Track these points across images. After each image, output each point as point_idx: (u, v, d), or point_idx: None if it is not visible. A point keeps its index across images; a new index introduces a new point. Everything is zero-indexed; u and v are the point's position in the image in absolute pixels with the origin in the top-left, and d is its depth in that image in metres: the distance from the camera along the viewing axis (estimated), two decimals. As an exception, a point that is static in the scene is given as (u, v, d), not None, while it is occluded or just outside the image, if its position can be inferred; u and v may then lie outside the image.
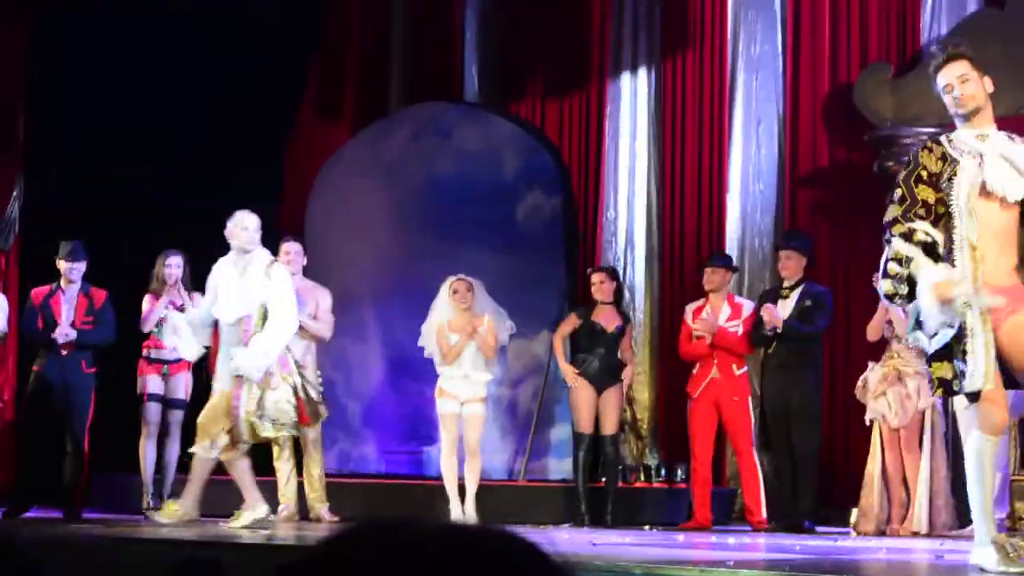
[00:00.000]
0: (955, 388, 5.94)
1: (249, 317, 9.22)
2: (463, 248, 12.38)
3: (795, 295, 10.47)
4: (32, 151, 13.39)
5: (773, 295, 10.65)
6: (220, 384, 9.35)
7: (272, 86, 14.20)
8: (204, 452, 9.35)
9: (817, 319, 10.40)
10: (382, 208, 13.29)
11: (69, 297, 10.66)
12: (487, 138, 13.17)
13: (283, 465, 10.63)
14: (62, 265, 10.68)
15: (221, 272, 9.47)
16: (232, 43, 13.66)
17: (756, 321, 10.51)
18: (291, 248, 10.88)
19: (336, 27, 14.81)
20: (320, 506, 10.71)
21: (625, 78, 13.27)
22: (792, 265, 10.58)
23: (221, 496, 11.30)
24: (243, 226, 9.40)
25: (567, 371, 11.05)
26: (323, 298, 10.89)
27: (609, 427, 11.01)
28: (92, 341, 10.63)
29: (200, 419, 9.37)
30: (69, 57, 13.25)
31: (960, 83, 6.21)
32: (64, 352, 10.57)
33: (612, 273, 11.39)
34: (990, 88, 6.25)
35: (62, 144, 13.33)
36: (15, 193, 13.28)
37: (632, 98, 13.24)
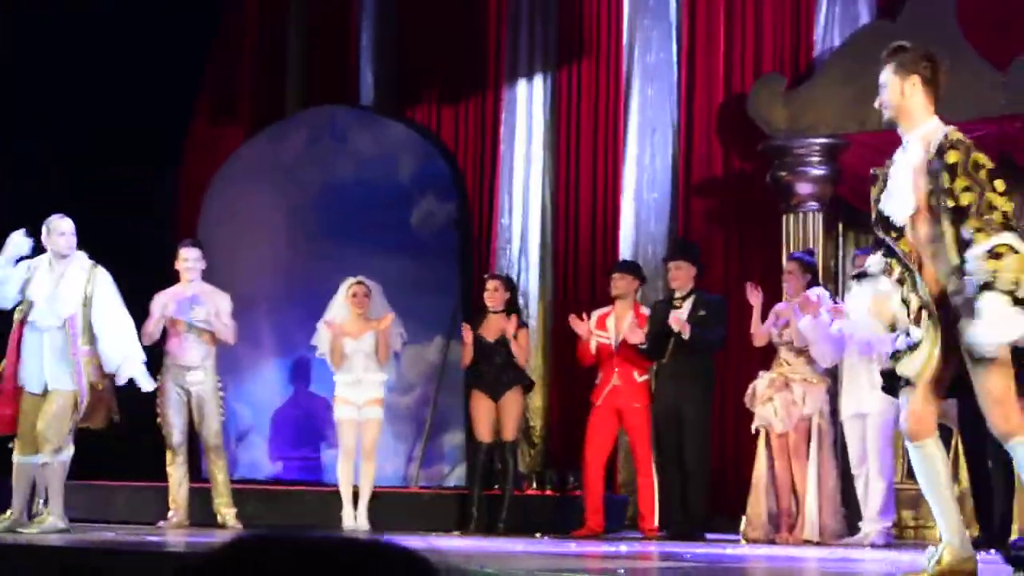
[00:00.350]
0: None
1: (73, 318, 9.17)
2: (358, 252, 12.33)
3: (687, 304, 10.51)
4: None
5: (665, 306, 10.68)
6: (58, 385, 9.20)
7: (166, 87, 14.04)
8: (57, 457, 9.24)
9: (715, 327, 10.47)
10: (278, 212, 13.21)
11: None
12: (382, 142, 13.13)
13: (175, 470, 10.55)
14: None
15: (36, 276, 9.37)
16: (124, 42, 13.49)
17: (652, 332, 10.52)
18: (189, 254, 10.76)
19: (231, 28, 14.70)
20: (227, 511, 10.61)
21: (521, 84, 13.28)
22: (682, 275, 10.63)
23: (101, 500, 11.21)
24: (59, 231, 9.36)
25: (464, 330, 11.06)
26: (223, 303, 10.77)
27: (508, 434, 11.01)
28: None
29: (42, 427, 9.15)
30: None
31: (881, 89, 5.99)
32: None
33: (508, 282, 11.38)
34: (912, 89, 5.89)
35: None
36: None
37: (528, 104, 13.25)
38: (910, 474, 11.02)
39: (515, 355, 11.00)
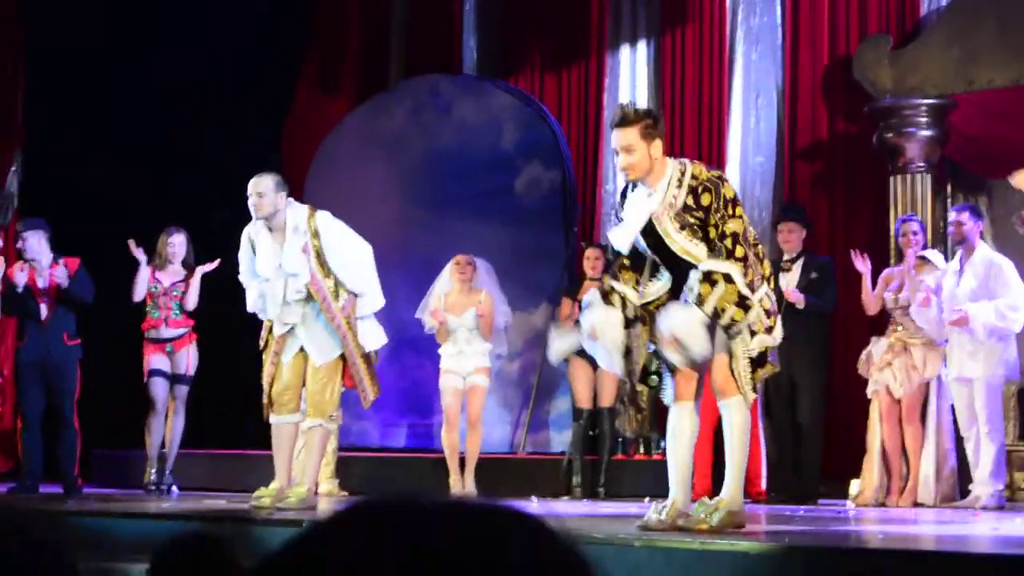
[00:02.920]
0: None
1: (314, 281, 8.54)
2: (463, 221, 12.39)
3: (797, 267, 10.46)
4: (32, 125, 13.37)
5: (775, 268, 10.62)
6: (317, 355, 8.62)
7: (270, 60, 14.18)
8: (328, 423, 8.85)
9: (826, 291, 10.40)
10: (381, 181, 13.29)
11: (41, 270, 10.62)
12: (485, 110, 13.16)
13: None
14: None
15: (258, 241, 8.64)
16: (228, 16, 13.63)
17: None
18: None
19: (334, 1, 14.78)
20: (328, 481, 10.71)
21: (624, 50, 13.24)
22: (793, 238, 10.58)
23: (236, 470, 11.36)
24: (257, 191, 8.54)
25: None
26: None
27: (606, 400, 11.05)
28: (75, 295, 10.56)
29: (313, 392, 8.65)
30: (67, 31, 13.22)
31: (625, 152, 6.60)
32: (44, 321, 10.56)
33: (607, 250, 11.40)
34: (657, 152, 6.64)
35: (62, 119, 13.31)
36: (14, 168, 13.28)
37: (631, 71, 13.21)
38: (1022, 436, 10.95)
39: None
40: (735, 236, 6.56)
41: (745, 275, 6.57)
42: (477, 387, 10.76)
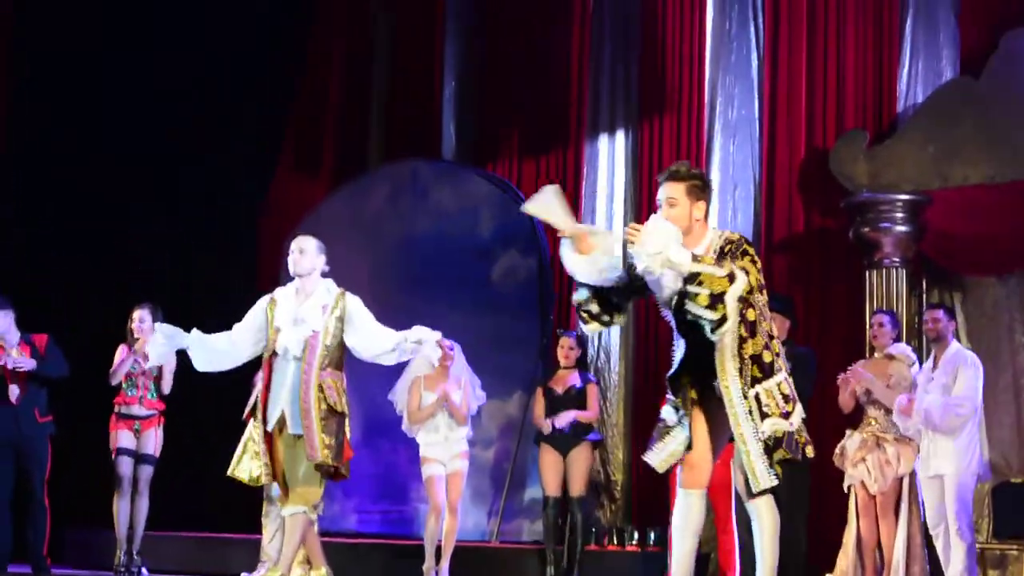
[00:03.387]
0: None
1: (315, 335, 8.30)
2: (440, 307, 12.38)
3: (778, 357, 10.43)
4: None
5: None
6: (295, 429, 8.19)
7: (249, 140, 14.20)
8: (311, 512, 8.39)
9: (801, 383, 10.35)
10: (359, 266, 13.28)
11: (9, 349, 10.55)
12: (463, 197, 13.20)
13: (270, 523, 10.42)
14: None
15: (281, 303, 8.41)
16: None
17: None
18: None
19: (314, 82, 14.83)
20: (300, 567, 10.59)
21: (602, 139, 13.32)
22: (776, 327, 10.56)
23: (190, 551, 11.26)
24: (300, 248, 8.46)
25: (542, 425, 11.09)
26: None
27: (575, 488, 11.04)
28: (48, 373, 10.52)
29: (293, 480, 8.26)
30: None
31: (668, 206, 6.56)
32: (15, 402, 10.48)
33: (580, 340, 11.43)
34: (699, 213, 6.60)
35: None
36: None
37: (609, 159, 13.28)
38: (995, 534, 10.95)
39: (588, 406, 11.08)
40: (745, 270, 6.41)
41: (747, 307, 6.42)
42: (459, 473, 10.74)
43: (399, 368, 11.00)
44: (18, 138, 13.25)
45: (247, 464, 10.15)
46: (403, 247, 13.23)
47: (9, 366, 10.45)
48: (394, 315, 12.70)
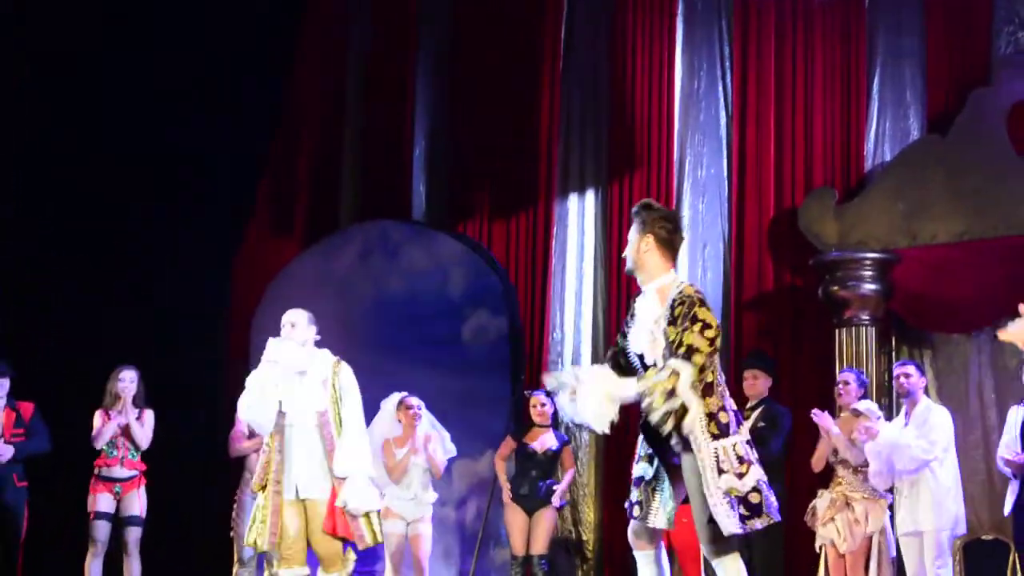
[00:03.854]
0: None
1: (326, 414, 8.21)
2: (410, 366, 12.35)
3: (755, 415, 10.40)
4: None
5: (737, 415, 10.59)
6: (309, 494, 8.11)
7: (221, 200, 14.15)
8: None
9: (770, 440, 10.31)
10: (329, 326, 13.22)
11: None
12: (434, 256, 13.19)
13: None
14: None
15: (283, 384, 8.32)
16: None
17: None
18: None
19: (287, 144, 14.82)
20: None
21: (572, 199, 13.33)
22: (758, 384, 10.51)
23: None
24: (291, 322, 8.54)
25: (503, 489, 11.13)
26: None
27: (538, 547, 11.04)
28: (30, 451, 10.48)
29: (289, 546, 8.09)
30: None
31: (627, 244, 6.73)
32: None
33: (550, 396, 11.41)
34: (647, 247, 6.65)
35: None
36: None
37: (579, 218, 13.29)
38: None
39: (562, 467, 11.12)
40: (691, 348, 6.33)
41: (701, 383, 6.38)
42: (423, 536, 10.73)
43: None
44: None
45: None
46: (374, 306, 13.21)
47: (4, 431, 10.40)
48: (364, 374, 12.67)
